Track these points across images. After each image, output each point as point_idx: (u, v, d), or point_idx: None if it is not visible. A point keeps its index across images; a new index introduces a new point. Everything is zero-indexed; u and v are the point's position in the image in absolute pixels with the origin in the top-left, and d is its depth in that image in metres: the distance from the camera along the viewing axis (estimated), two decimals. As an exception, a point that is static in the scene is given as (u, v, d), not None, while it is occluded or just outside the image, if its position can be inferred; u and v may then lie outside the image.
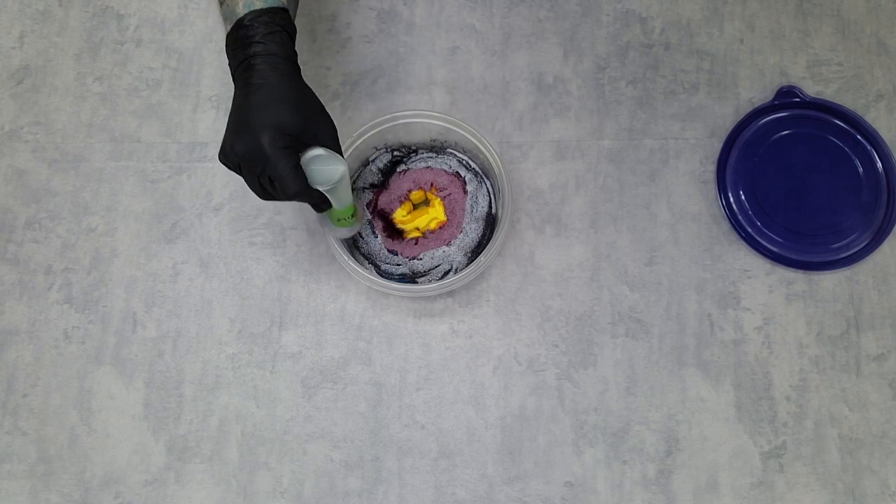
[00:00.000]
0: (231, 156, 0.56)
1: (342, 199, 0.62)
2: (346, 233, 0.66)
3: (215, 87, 0.77)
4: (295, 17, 0.62)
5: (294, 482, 0.67)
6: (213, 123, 0.76)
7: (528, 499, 0.66)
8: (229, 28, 0.57)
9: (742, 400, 0.68)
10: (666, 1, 0.79)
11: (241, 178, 0.75)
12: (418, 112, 0.69)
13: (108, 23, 0.80)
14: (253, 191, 0.58)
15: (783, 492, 0.66)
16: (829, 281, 0.71)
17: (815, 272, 0.71)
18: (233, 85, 0.58)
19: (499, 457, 0.67)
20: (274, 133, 0.55)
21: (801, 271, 0.71)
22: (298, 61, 0.59)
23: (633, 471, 0.66)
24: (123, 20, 0.80)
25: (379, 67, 0.77)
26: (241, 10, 0.56)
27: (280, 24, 0.57)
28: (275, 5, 0.57)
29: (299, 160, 0.57)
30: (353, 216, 0.65)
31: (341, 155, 0.60)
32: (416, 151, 0.73)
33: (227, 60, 0.58)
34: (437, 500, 0.66)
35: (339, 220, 0.64)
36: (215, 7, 0.80)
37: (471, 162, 0.73)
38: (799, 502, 0.66)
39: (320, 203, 0.61)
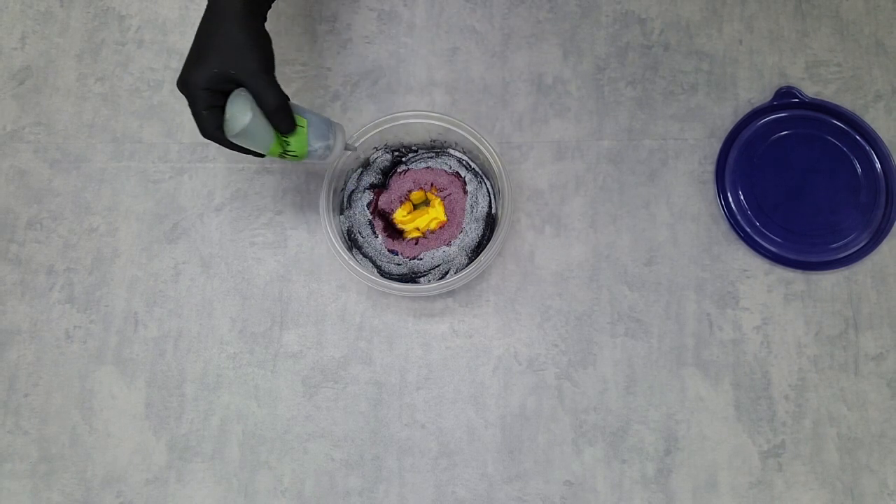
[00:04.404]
0: (178, 86, 0.56)
1: (259, 144, 0.56)
2: (318, 161, 0.61)
3: (216, 87, 0.77)
4: None
5: (295, 481, 0.67)
6: (214, 124, 0.76)
7: (527, 498, 0.66)
8: None
9: (741, 399, 0.68)
10: (665, 2, 0.79)
11: (241, 177, 0.75)
12: (418, 112, 0.69)
13: (110, 24, 0.80)
14: None
15: (782, 491, 0.66)
16: (827, 281, 0.71)
17: (814, 272, 0.71)
18: None
19: (499, 456, 0.67)
20: (201, 71, 0.54)
21: (800, 271, 0.71)
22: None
23: (633, 470, 0.67)
24: (125, 21, 0.80)
25: (379, 68, 0.78)
26: None
27: None
28: None
29: (221, 102, 0.55)
30: (289, 153, 0.58)
31: (276, 91, 0.55)
32: (416, 151, 0.74)
33: None
34: (438, 499, 0.66)
35: (282, 156, 0.59)
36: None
37: (471, 162, 0.73)
38: (798, 501, 0.66)
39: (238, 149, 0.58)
